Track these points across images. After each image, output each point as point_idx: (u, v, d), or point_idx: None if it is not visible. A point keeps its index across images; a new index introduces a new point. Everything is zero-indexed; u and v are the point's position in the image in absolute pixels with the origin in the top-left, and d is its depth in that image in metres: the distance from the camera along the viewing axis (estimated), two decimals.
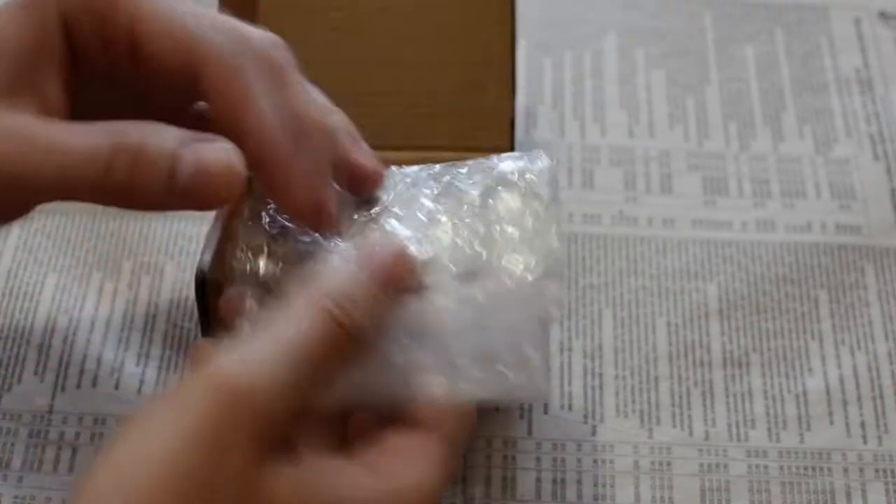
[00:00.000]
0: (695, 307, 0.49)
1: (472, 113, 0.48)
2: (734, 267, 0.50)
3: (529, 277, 0.38)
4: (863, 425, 0.46)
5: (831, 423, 0.46)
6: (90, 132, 0.35)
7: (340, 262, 0.36)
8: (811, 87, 0.57)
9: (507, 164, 0.41)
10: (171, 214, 0.51)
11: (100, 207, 0.51)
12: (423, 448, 0.36)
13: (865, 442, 0.46)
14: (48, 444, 0.45)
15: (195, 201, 0.35)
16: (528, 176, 0.40)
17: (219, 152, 0.35)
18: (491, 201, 0.40)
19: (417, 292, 0.37)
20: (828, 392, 0.47)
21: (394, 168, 0.41)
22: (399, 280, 0.36)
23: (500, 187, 0.40)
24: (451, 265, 0.38)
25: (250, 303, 0.38)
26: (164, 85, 0.38)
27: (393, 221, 0.39)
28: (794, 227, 0.52)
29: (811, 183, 0.53)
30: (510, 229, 0.39)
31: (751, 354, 0.48)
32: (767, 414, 0.46)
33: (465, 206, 0.40)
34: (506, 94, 0.48)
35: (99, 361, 0.47)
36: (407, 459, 0.35)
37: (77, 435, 0.45)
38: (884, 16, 0.59)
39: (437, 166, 0.41)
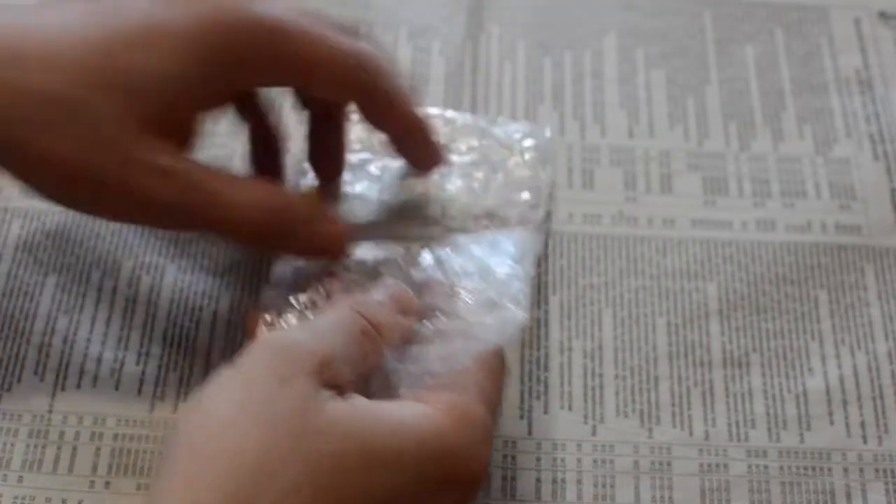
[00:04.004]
0: (695, 307, 0.49)
1: None
2: (734, 267, 0.50)
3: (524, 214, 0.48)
4: (863, 425, 0.46)
5: (831, 423, 0.46)
6: (249, 191, 0.42)
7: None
8: (811, 87, 0.57)
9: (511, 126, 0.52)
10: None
11: None
12: (464, 383, 0.39)
13: (865, 442, 0.46)
14: (48, 444, 0.45)
15: (313, 255, 0.44)
16: (528, 140, 0.51)
17: (336, 228, 0.44)
18: (494, 157, 0.50)
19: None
20: (828, 392, 0.47)
21: None
22: (403, 304, 0.42)
23: (501, 144, 0.51)
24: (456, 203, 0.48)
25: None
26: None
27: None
28: (794, 227, 0.52)
29: (811, 183, 0.53)
30: (512, 172, 0.50)
31: (751, 354, 0.48)
32: (767, 414, 0.46)
33: (470, 155, 0.50)
34: None
35: (99, 361, 0.47)
36: (453, 390, 0.39)
37: (77, 435, 0.45)
38: (884, 16, 0.59)
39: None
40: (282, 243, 0.44)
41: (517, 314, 0.42)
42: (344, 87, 0.44)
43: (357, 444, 0.35)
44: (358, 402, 0.36)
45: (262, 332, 0.43)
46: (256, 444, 0.34)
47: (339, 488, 0.34)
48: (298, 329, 0.41)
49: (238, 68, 0.42)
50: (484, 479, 0.41)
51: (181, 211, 0.41)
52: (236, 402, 0.35)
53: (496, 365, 0.41)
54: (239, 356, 0.37)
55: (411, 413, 0.37)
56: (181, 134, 0.42)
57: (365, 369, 0.39)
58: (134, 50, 0.40)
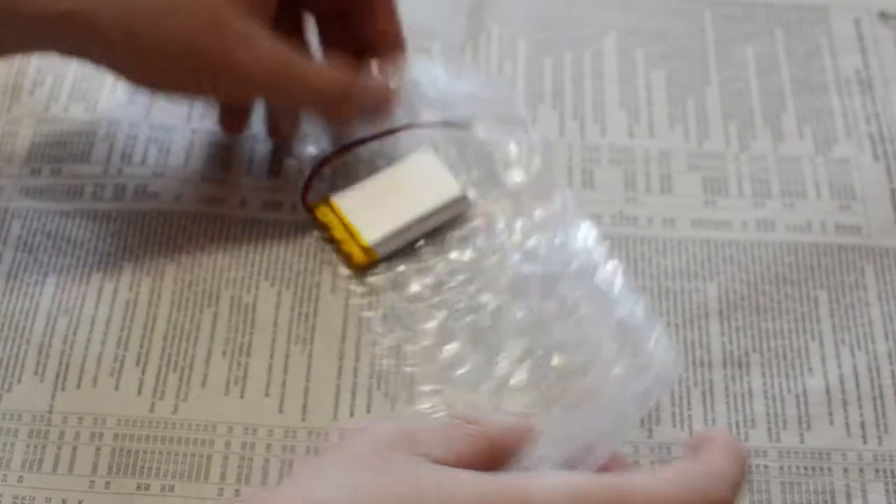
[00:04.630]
0: (695, 307, 0.49)
1: None
2: (734, 267, 0.50)
3: None
4: (863, 425, 0.46)
5: (831, 423, 0.46)
6: (326, 74, 0.48)
7: None
8: (811, 87, 0.57)
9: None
10: (176, 210, 0.51)
11: (99, 207, 0.51)
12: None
13: (865, 442, 0.46)
14: (48, 444, 0.45)
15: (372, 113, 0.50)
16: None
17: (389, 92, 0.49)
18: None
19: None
20: (828, 392, 0.47)
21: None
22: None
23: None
24: None
25: None
26: None
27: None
28: (794, 227, 0.52)
29: (811, 183, 0.53)
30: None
31: (751, 354, 0.48)
32: (767, 414, 0.46)
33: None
34: None
35: (99, 361, 0.47)
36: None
37: (77, 435, 0.45)
38: (884, 16, 0.59)
39: None
40: (348, 110, 0.49)
41: (668, 365, 0.40)
42: None
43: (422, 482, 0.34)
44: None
45: None
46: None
47: None
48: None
49: None
50: None
51: (272, 87, 0.47)
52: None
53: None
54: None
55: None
56: (271, 12, 0.47)
57: (461, 447, 0.37)
58: None
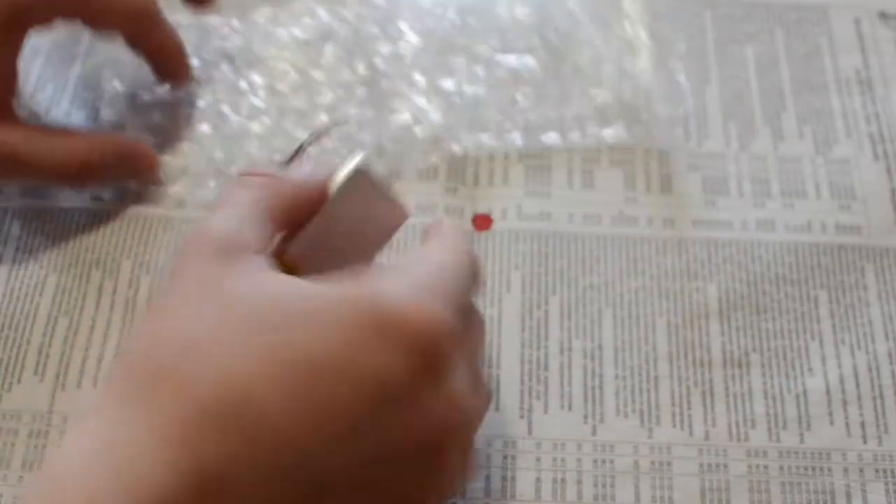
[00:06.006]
0: (695, 307, 0.49)
1: None
2: (734, 267, 0.50)
3: None
4: (863, 425, 0.46)
5: (831, 423, 0.46)
6: (59, 148, 0.49)
7: None
8: (811, 87, 0.57)
9: None
10: (178, 216, 0.51)
11: (100, 207, 0.51)
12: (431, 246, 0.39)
13: (865, 442, 0.46)
14: (48, 444, 0.45)
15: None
16: None
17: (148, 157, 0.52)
18: None
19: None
20: (828, 392, 0.47)
21: None
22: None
23: None
24: None
25: None
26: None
27: None
28: (794, 227, 0.52)
29: (811, 183, 0.53)
30: None
31: (751, 354, 0.48)
32: (767, 414, 0.46)
33: None
34: None
35: (99, 361, 0.47)
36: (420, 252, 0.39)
37: None
38: (884, 16, 0.60)
39: None
40: (100, 177, 0.51)
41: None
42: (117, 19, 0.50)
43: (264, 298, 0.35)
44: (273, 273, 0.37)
45: None
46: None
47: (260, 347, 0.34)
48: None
49: (32, 21, 0.49)
50: (439, 342, 0.35)
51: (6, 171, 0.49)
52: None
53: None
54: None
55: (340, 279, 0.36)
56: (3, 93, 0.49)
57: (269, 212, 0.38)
58: None
